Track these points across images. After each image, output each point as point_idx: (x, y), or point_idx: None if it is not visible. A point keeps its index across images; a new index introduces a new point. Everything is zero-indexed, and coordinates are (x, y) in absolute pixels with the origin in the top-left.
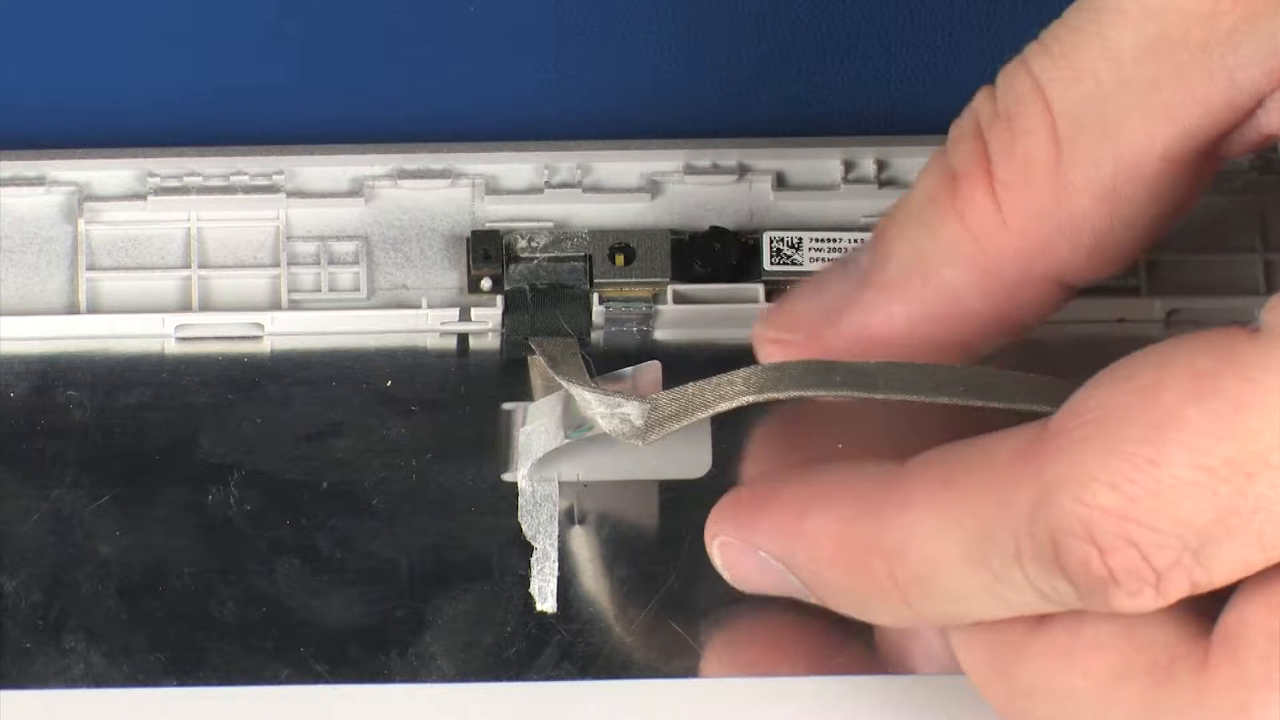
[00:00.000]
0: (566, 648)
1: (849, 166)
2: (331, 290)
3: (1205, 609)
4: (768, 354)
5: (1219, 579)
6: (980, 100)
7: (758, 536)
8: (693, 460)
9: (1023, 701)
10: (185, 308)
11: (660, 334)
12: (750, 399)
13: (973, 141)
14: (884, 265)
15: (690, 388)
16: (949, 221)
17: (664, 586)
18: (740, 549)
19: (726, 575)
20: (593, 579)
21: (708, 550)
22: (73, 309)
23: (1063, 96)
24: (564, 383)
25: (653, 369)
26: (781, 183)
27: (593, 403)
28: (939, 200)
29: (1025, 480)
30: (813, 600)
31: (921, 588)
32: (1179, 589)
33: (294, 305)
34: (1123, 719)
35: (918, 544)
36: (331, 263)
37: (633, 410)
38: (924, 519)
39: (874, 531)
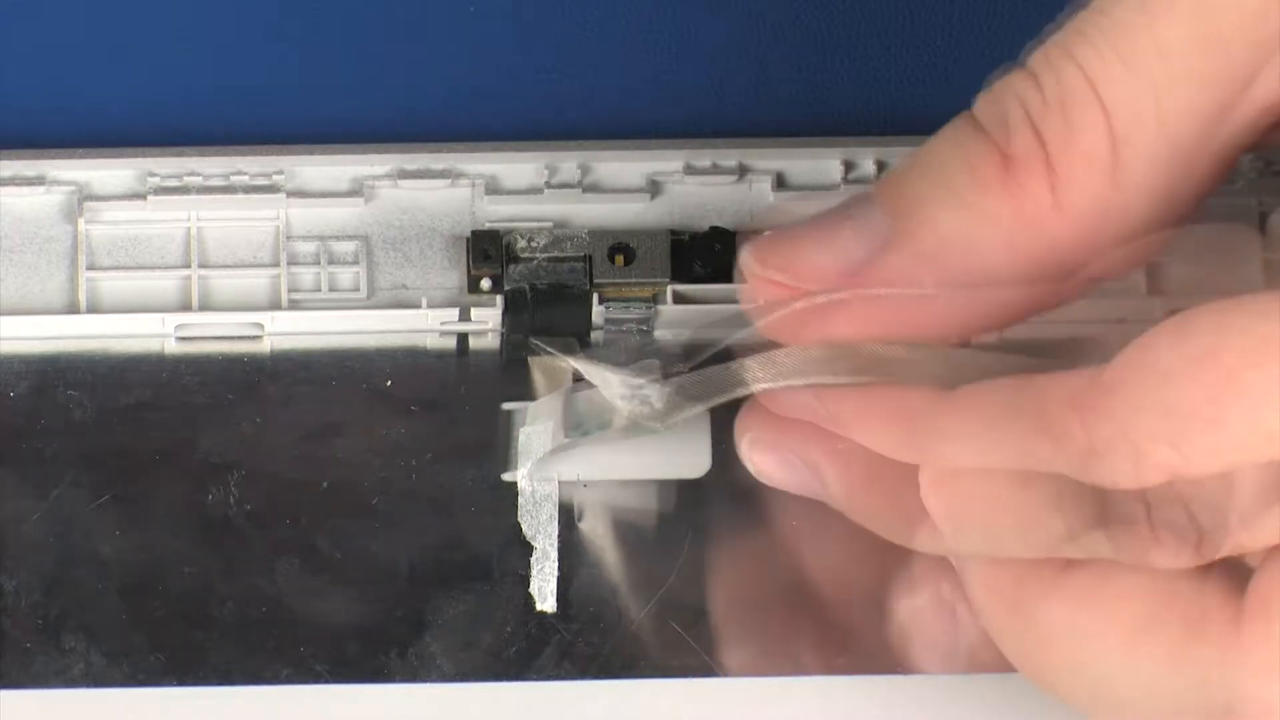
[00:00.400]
0: (566, 648)
1: (849, 166)
2: (331, 290)
3: (1239, 565)
4: (765, 291)
5: (1261, 542)
6: (1023, 85)
7: (790, 443)
8: (693, 460)
9: (1040, 646)
10: (185, 307)
11: (660, 334)
12: (768, 385)
13: (1026, 130)
14: (916, 232)
15: (711, 371)
16: (1002, 205)
17: (664, 586)
18: (770, 448)
19: (752, 470)
20: (593, 578)
21: (736, 443)
22: (73, 309)
23: (1115, 91)
24: (584, 364)
25: (651, 368)
26: (781, 183)
27: (614, 383)
28: (988, 181)
29: (1078, 430)
30: (836, 507)
31: (952, 524)
32: (1218, 549)
33: (294, 305)
34: (1148, 670)
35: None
36: (331, 262)
37: (653, 392)
38: (963, 457)
39: (910, 462)
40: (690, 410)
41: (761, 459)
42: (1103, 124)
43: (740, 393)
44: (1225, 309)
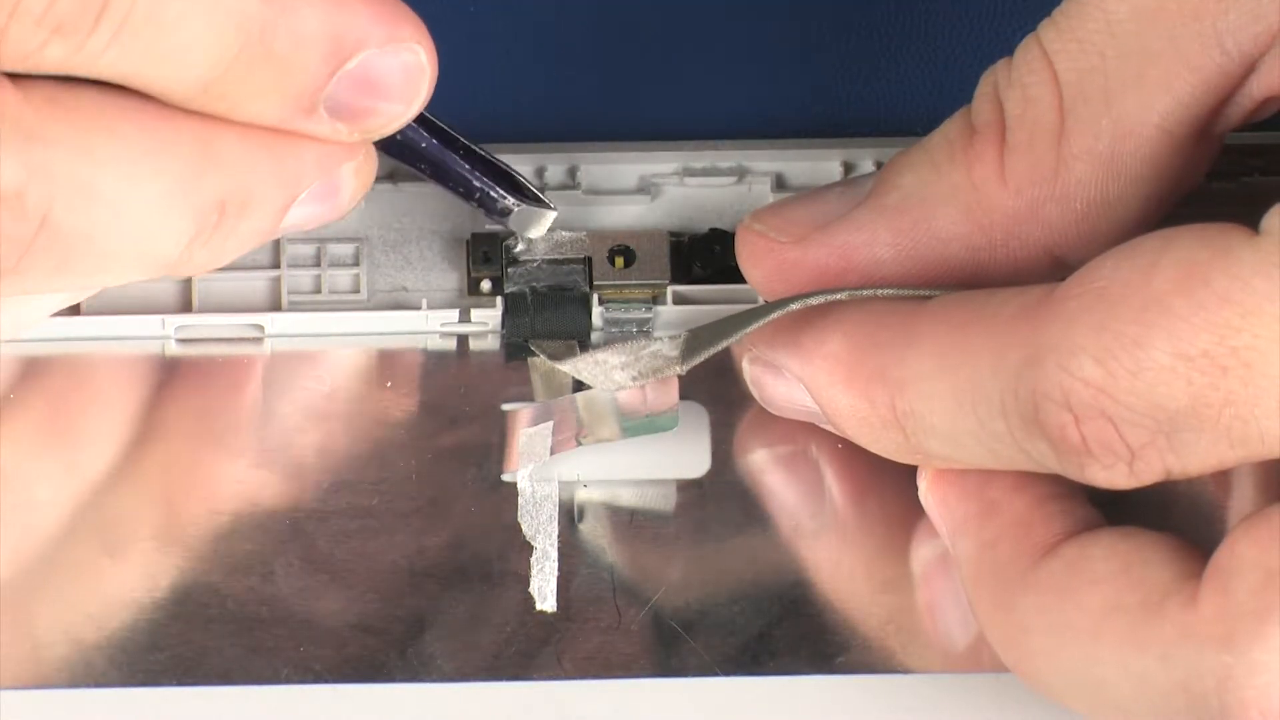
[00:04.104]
0: (566, 648)
1: (848, 168)
2: (331, 292)
3: (1208, 556)
4: (751, 245)
5: (1193, 468)
6: (999, 67)
7: (782, 353)
8: (693, 460)
9: (1021, 637)
10: (185, 309)
11: (661, 335)
12: (777, 313)
13: (991, 103)
14: (886, 192)
15: (722, 319)
16: (958, 169)
17: (664, 586)
18: (767, 365)
19: (756, 393)
20: (593, 578)
21: (740, 367)
22: (73, 309)
23: (1068, 68)
24: (575, 362)
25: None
26: (780, 184)
27: (611, 359)
28: (954, 148)
29: (1021, 338)
30: (829, 428)
31: (916, 423)
32: (1152, 471)
33: (294, 307)
34: (1111, 652)
35: (917, 380)
36: (331, 265)
37: (664, 344)
38: (927, 357)
39: (883, 362)
40: (708, 353)
41: (761, 377)
42: (1053, 97)
43: (753, 327)
44: (1169, 235)
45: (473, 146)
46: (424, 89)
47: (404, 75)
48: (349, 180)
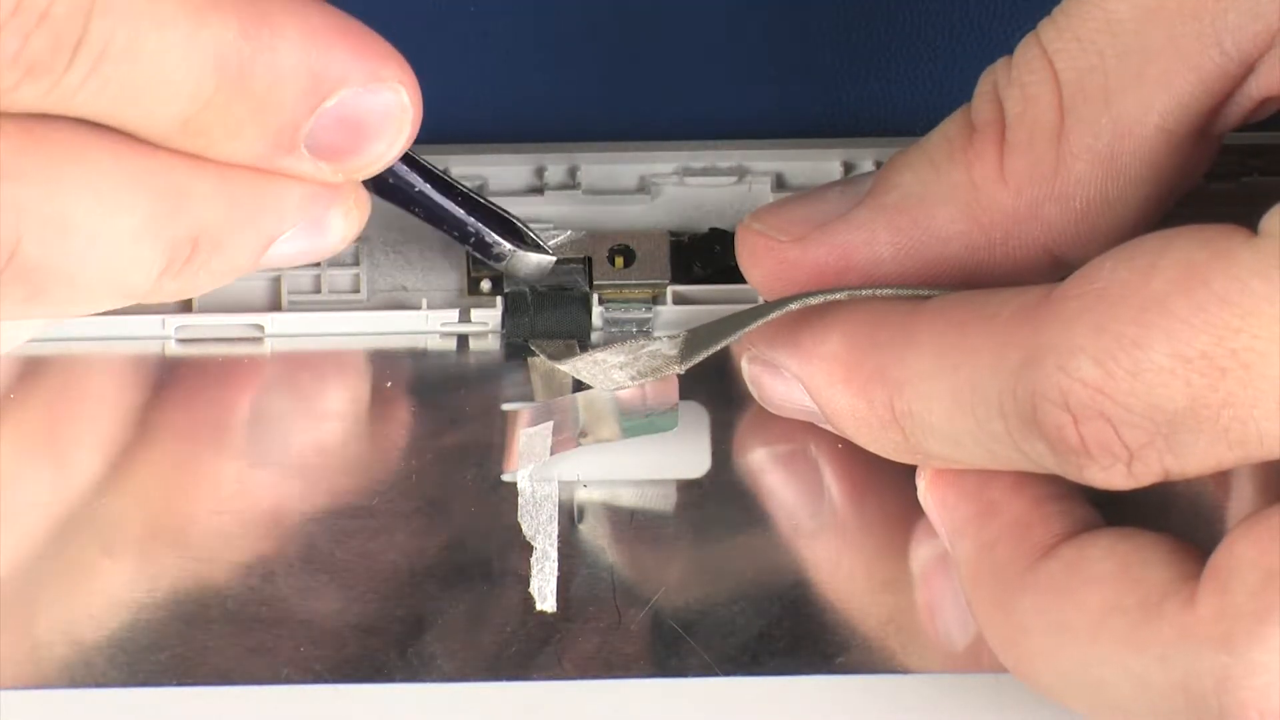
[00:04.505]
0: (566, 648)
1: (848, 168)
2: (331, 292)
3: (1207, 556)
4: (751, 244)
5: (1191, 469)
6: (999, 65)
7: (781, 353)
8: (693, 460)
9: (1020, 637)
10: (185, 309)
11: (660, 335)
12: (776, 313)
13: (990, 102)
14: (885, 191)
15: (721, 319)
16: (957, 167)
17: (664, 586)
18: (766, 365)
19: (754, 392)
20: (593, 578)
21: (740, 367)
22: None
23: (1068, 67)
24: (575, 361)
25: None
26: (781, 184)
27: (610, 359)
28: (953, 146)
29: (1020, 339)
30: (829, 427)
31: (915, 423)
32: (1151, 472)
33: (294, 307)
34: (1109, 653)
35: (915, 380)
36: (331, 264)
37: (663, 344)
38: (926, 357)
39: (881, 362)
40: (707, 352)
41: (760, 376)
42: (1053, 95)
43: (752, 326)
44: (1168, 236)
45: (469, 191)
46: (407, 129)
47: (385, 115)
48: (338, 221)
